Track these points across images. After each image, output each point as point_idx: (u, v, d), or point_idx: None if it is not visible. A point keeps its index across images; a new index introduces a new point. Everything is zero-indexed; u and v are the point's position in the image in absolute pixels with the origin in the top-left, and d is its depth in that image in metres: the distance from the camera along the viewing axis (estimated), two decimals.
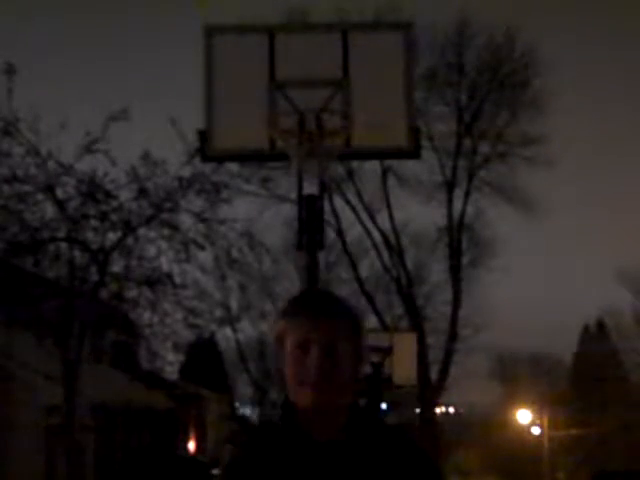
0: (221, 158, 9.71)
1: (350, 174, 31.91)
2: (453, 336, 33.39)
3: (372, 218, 33.22)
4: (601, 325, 48.79)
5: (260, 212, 26.89)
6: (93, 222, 16.09)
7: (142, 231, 16.36)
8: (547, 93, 31.93)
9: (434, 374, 33.34)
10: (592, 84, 68.35)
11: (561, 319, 61.04)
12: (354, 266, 33.87)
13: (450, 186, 33.20)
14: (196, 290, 17.62)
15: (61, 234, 16.21)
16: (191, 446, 35.42)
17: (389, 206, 33.01)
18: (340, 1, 25.83)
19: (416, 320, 32.52)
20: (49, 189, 15.76)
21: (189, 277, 17.04)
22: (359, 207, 33.00)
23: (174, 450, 30.48)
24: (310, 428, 2.23)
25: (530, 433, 46.14)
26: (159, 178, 16.04)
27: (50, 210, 16.02)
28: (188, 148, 15.01)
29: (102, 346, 25.27)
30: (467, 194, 33.21)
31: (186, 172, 15.97)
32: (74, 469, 16.51)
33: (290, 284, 32.82)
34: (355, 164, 30.12)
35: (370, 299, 33.30)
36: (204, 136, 7.42)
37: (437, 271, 35.20)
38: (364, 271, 34.38)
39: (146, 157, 15.91)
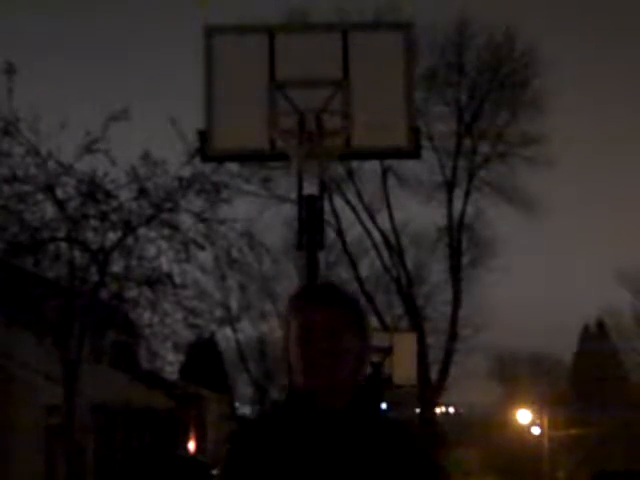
0: (221, 158, 9.70)
1: (350, 174, 31.91)
2: (453, 336, 33.37)
3: (372, 218, 33.25)
4: (601, 325, 48.74)
5: (260, 212, 26.93)
6: (93, 222, 16.10)
7: (142, 231, 16.38)
8: (547, 93, 32.02)
9: (434, 374, 33.34)
10: (592, 84, 68.29)
11: (561, 319, 61.09)
12: (354, 266, 33.86)
13: (450, 186, 33.19)
14: (196, 290, 17.64)
15: (61, 234, 16.21)
16: (191, 446, 35.36)
17: (389, 206, 33.05)
18: (340, 1, 25.95)
19: (416, 320, 32.52)
20: (49, 189, 15.76)
21: (189, 277, 17.08)
22: (359, 207, 33.05)
23: (174, 450, 30.42)
24: (314, 405, 2.31)
25: (530, 433, 46.08)
26: (159, 178, 16.07)
27: (50, 210, 16.05)
28: (188, 148, 15.04)
29: (102, 346, 25.24)
30: (467, 194, 33.22)
31: (186, 172, 16.01)
32: (74, 469, 16.52)
33: (290, 284, 32.80)
34: (355, 164, 30.10)
35: (370, 299, 33.21)
36: (204, 136, 7.41)
37: (437, 271, 35.30)
38: (364, 271, 34.47)
39: (146, 157, 15.93)
